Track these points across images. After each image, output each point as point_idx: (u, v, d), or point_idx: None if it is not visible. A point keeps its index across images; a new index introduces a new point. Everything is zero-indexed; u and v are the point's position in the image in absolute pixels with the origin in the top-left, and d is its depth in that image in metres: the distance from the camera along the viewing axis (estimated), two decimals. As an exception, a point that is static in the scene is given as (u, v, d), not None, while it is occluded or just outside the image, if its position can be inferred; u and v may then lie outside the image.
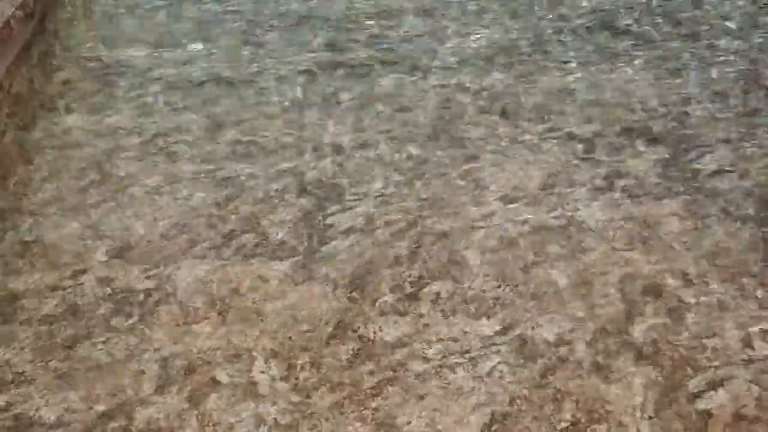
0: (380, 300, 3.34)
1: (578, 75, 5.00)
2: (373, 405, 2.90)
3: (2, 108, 4.41)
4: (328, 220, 3.82)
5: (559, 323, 3.20)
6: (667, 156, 4.23)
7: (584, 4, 6.00)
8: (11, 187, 4.04)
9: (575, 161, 4.21)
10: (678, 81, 4.91)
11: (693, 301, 3.29)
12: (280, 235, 3.72)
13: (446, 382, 2.98)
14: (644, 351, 3.08)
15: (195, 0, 6.08)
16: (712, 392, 2.92)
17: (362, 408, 2.89)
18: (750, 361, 3.03)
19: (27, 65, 4.99)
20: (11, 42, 4.84)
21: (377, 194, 3.99)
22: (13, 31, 4.89)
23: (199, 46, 5.40)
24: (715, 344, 3.10)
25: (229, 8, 5.93)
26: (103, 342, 3.17)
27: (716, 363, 3.03)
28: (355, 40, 5.45)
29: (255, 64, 5.15)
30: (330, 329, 3.21)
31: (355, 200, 3.94)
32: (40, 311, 3.30)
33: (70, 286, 3.43)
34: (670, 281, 3.40)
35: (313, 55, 5.26)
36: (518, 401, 2.91)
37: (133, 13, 5.85)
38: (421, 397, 2.92)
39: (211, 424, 2.84)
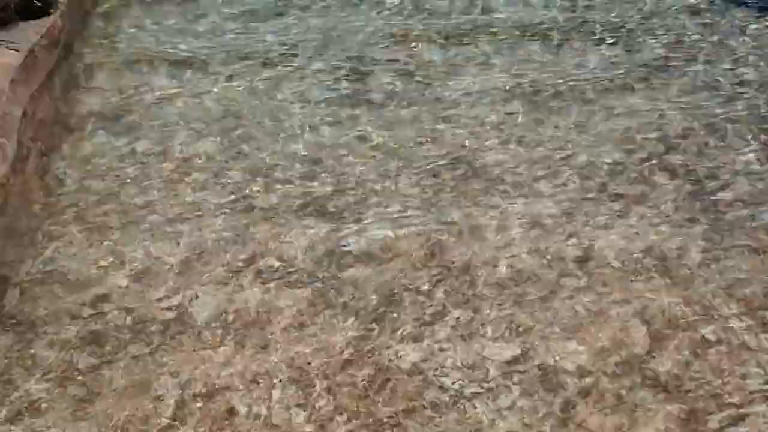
0: (399, 329, 3.34)
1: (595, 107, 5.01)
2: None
3: (26, 134, 4.45)
4: (347, 247, 3.83)
5: (579, 355, 3.19)
6: (687, 185, 4.22)
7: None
8: (34, 212, 4.07)
9: (594, 190, 4.21)
10: (697, 110, 4.91)
11: (713, 336, 3.27)
12: (298, 261, 3.73)
13: (466, 416, 2.97)
14: (666, 385, 3.05)
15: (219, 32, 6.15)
16: (734, 428, 2.89)
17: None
18: (772, 396, 3.00)
19: (51, 92, 5.05)
20: (36, 69, 4.90)
21: (397, 221, 4.00)
22: (38, 59, 4.95)
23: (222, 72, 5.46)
24: (737, 379, 3.07)
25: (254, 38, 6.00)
26: (122, 368, 3.18)
27: (738, 398, 3.00)
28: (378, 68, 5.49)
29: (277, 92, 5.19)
30: (347, 357, 3.21)
31: (374, 227, 3.96)
32: (60, 337, 3.32)
33: (90, 315, 3.44)
34: (691, 314, 3.38)
35: (333, 84, 5.29)
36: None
37: (158, 40, 5.91)
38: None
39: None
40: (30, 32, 5.03)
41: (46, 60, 5.10)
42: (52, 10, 5.25)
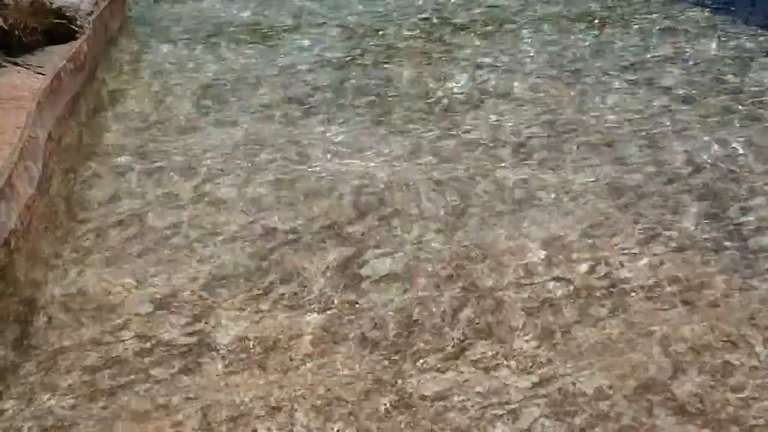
0: (420, 358, 3.32)
1: (621, 131, 5.01)
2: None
3: (51, 158, 4.50)
4: (367, 272, 3.82)
5: (600, 379, 3.17)
6: (711, 211, 4.20)
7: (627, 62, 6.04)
8: (56, 237, 4.10)
9: (618, 215, 4.19)
10: (723, 136, 4.89)
11: (737, 362, 3.23)
12: (319, 287, 3.73)
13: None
14: (688, 408, 3.02)
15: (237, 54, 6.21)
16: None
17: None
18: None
19: (76, 116, 5.11)
20: (61, 93, 4.96)
21: (417, 244, 3.99)
22: (63, 83, 5.01)
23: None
24: (762, 404, 3.04)
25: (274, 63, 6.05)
26: (145, 390, 3.18)
27: (762, 421, 2.96)
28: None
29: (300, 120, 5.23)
30: (368, 383, 3.19)
31: (395, 251, 3.95)
32: (83, 362, 3.33)
33: (112, 341, 3.45)
34: (714, 341, 3.35)
35: (356, 110, 5.32)
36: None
37: (181, 68, 5.97)
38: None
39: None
40: (56, 57, 5.10)
41: (71, 84, 5.16)
42: (78, 35, 5.30)
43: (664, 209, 4.24)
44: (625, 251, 3.92)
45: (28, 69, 4.81)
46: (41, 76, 4.78)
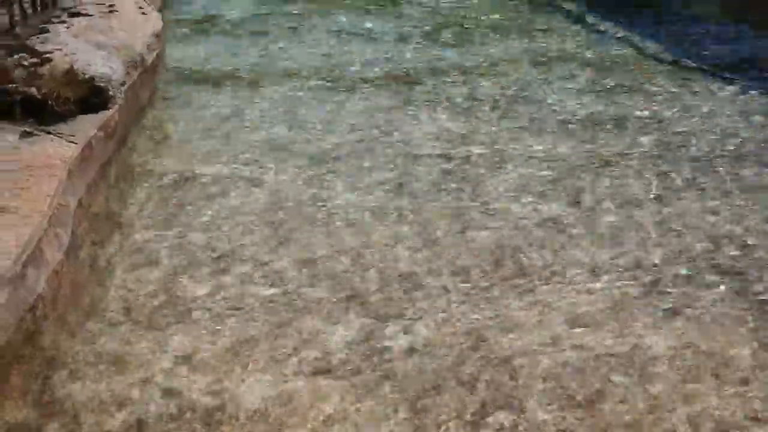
0: (441, 428, 3.31)
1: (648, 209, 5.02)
2: None
3: (80, 225, 4.57)
4: (389, 341, 3.83)
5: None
6: (735, 286, 4.17)
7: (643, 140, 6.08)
8: (84, 303, 4.14)
9: (642, 288, 4.18)
10: (744, 212, 4.88)
11: (766, 437, 3.20)
12: (341, 354, 3.74)
13: None
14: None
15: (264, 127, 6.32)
16: None
17: None
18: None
19: (105, 184, 5.19)
20: (92, 161, 5.06)
21: (440, 314, 4.00)
22: (94, 151, 5.11)
23: (270, 165, 5.58)
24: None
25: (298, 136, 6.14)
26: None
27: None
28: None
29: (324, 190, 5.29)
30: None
31: (417, 319, 3.96)
32: (104, 426, 3.34)
33: (134, 403, 3.46)
34: (743, 419, 3.30)
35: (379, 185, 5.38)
36: None
37: (208, 135, 6.08)
38: None
39: None
40: (88, 125, 5.20)
41: (102, 152, 5.26)
42: (110, 105, 5.42)
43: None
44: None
45: (60, 137, 4.91)
46: (73, 144, 4.88)
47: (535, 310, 4.02)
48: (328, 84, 7.15)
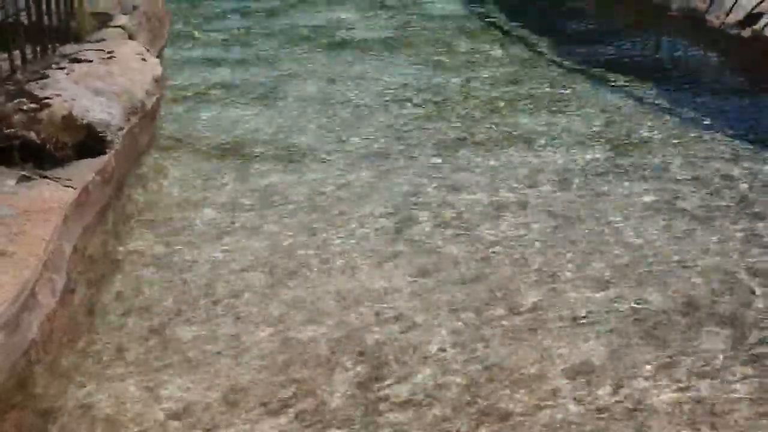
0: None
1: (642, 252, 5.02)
2: None
3: (76, 269, 4.56)
4: (385, 390, 3.79)
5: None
6: (734, 336, 4.15)
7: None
8: (78, 348, 4.11)
9: (640, 337, 4.15)
10: (745, 259, 4.89)
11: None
12: (337, 404, 3.70)
13: None
14: None
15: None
16: None
17: None
18: None
19: (102, 228, 5.19)
20: (89, 206, 5.05)
21: (436, 361, 3.98)
22: (90, 196, 5.11)
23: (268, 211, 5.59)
24: None
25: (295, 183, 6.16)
26: None
27: None
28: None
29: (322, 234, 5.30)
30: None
31: (413, 369, 3.93)
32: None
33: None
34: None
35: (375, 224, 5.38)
36: None
37: (205, 180, 6.09)
38: None
39: None
40: (85, 170, 5.20)
41: (99, 197, 5.26)
42: (107, 150, 5.44)
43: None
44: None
45: (57, 182, 4.92)
46: (70, 189, 4.88)
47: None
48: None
